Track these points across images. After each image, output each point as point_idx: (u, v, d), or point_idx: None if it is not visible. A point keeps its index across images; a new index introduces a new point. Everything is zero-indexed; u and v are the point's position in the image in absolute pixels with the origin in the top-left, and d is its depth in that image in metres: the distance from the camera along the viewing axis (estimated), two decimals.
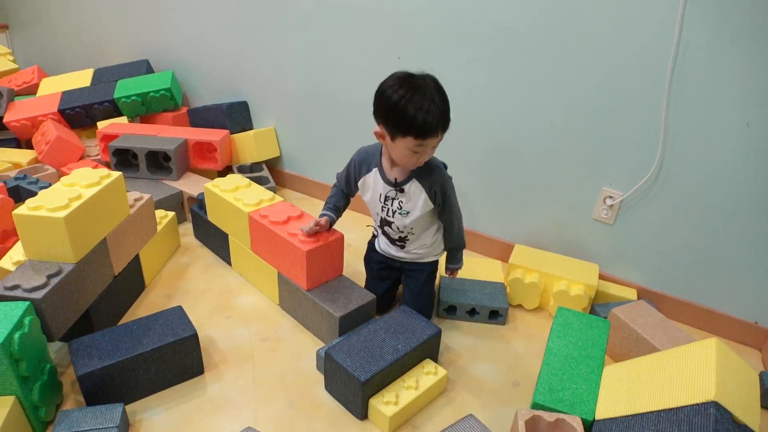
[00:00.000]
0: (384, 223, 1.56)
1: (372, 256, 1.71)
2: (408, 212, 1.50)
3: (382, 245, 1.66)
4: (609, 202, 1.73)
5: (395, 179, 1.47)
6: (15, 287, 1.31)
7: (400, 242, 1.60)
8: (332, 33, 2.10)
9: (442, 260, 1.71)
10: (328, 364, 1.35)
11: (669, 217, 1.66)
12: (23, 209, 1.39)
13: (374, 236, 1.72)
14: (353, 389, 1.28)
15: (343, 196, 1.62)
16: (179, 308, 1.50)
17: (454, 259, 1.65)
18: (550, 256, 1.81)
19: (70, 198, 1.42)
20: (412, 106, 1.28)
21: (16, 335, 1.19)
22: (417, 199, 1.47)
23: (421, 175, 1.45)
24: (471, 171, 1.97)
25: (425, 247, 1.60)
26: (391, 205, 1.51)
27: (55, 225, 1.36)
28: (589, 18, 1.56)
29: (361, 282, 1.75)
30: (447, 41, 1.84)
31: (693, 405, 0.97)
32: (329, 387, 1.39)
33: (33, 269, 1.38)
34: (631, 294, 1.73)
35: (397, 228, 1.55)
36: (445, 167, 1.51)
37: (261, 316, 1.68)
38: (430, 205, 1.49)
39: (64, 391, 1.39)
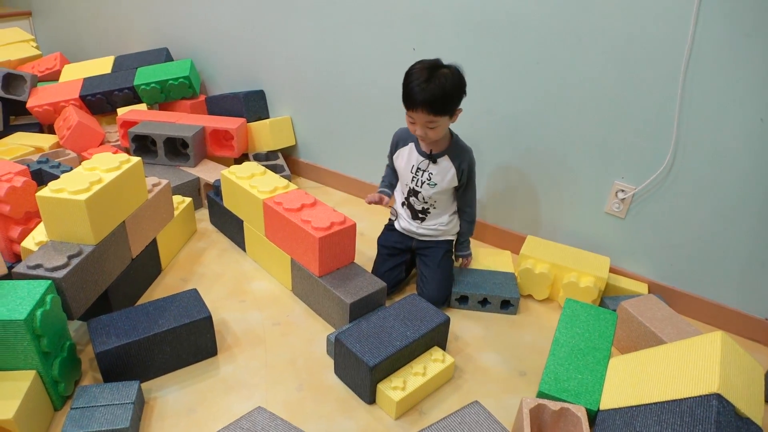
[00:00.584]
0: (411, 193, 1.70)
1: (387, 236, 1.80)
2: (435, 184, 1.64)
3: (402, 223, 1.77)
4: (621, 195, 1.73)
5: (431, 151, 1.63)
6: (37, 266, 1.36)
7: (422, 214, 1.72)
8: (348, 24, 2.12)
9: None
10: (338, 348, 1.38)
11: (681, 211, 1.66)
12: (46, 191, 1.43)
13: (391, 221, 1.81)
14: (362, 374, 1.31)
15: (392, 171, 1.78)
16: (194, 291, 1.54)
17: (464, 247, 1.79)
18: (561, 247, 1.82)
19: (91, 181, 1.46)
20: (410, 80, 1.49)
21: (38, 312, 1.24)
22: (446, 172, 1.63)
23: (453, 153, 1.63)
24: (483, 163, 1.97)
25: (442, 225, 1.72)
26: (421, 176, 1.66)
27: (77, 207, 1.40)
28: (604, 11, 1.56)
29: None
30: (462, 32, 1.85)
31: (696, 397, 0.98)
32: (339, 371, 1.42)
33: (54, 249, 1.42)
34: (642, 288, 1.74)
35: (423, 198, 1.69)
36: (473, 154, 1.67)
37: (274, 301, 1.72)
38: (455, 182, 1.65)
39: (82, 368, 1.44)
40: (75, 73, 2.75)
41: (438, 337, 1.46)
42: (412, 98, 1.48)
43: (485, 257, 1.88)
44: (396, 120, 2.10)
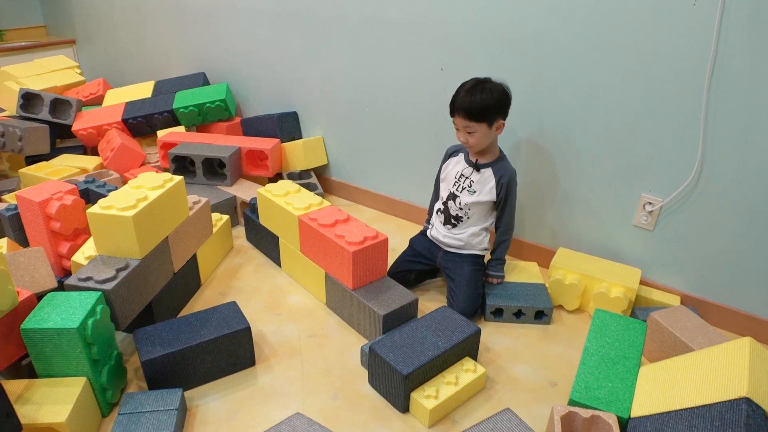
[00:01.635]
0: (450, 197, 1.81)
1: (419, 239, 1.93)
2: (475, 191, 1.76)
3: (433, 231, 1.88)
4: (648, 208, 1.75)
5: (476, 160, 1.76)
6: (88, 279, 1.44)
7: (454, 220, 1.81)
8: (378, 46, 2.20)
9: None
10: (372, 358, 1.43)
11: (709, 222, 1.67)
12: (96, 208, 1.52)
13: (426, 228, 1.94)
14: (396, 382, 1.35)
15: (436, 192, 1.93)
16: (233, 303, 1.60)
17: (496, 269, 1.85)
18: (592, 259, 1.85)
19: (138, 199, 1.54)
20: (457, 90, 1.67)
21: (90, 321, 1.32)
22: (486, 183, 1.75)
23: (497, 167, 1.75)
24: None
25: (472, 236, 1.80)
26: (463, 182, 1.78)
27: (124, 223, 1.49)
28: (628, 28, 1.60)
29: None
30: (489, 51, 1.90)
31: (725, 401, 1.00)
32: (373, 381, 1.46)
33: (103, 263, 1.51)
34: (674, 300, 1.74)
35: (459, 204, 1.78)
36: (516, 175, 1.78)
37: (308, 314, 1.78)
38: (494, 195, 1.75)
39: (127, 377, 1.51)
40: (117, 97, 2.90)
41: (469, 348, 1.49)
42: (452, 104, 1.67)
43: (513, 269, 1.91)
44: (425, 138, 2.21)
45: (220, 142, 2.48)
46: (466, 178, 1.78)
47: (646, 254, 1.83)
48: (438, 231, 1.85)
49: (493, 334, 1.68)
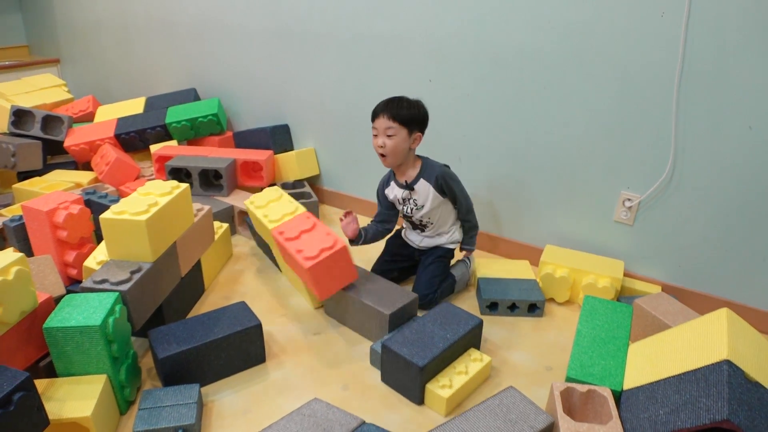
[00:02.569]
0: (407, 218, 1.95)
1: (395, 240, 2.05)
2: (422, 206, 1.85)
3: (407, 233, 2.02)
4: (627, 204, 1.88)
5: (405, 182, 1.85)
6: (103, 281, 1.49)
7: (422, 226, 1.93)
8: (368, 59, 2.31)
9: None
10: (385, 355, 1.50)
11: (684, 215, 1.80)
12: (108, 214, 1.57)
13: (399, 230, 2.07)
14: (412, 375, 1.42)
15: (380, 219, 1.99)
16: (243, 303, 1.68)
17: (469, 242, 1.99)
18: (578, 254, 1.98)
19: (149, 204, 1.61)
20: (383, 100, 1.79)
21: (111, 319, 1.37)
22: (427, 193, 1.83)
23: (426, 174, 1.83)
24: (498, 179, 2.15)
25: (442, 235, 1.93)
26: (409, 204, 1.88)
27: (138, 227, 1.54)
28: (603, 39, 1.75)
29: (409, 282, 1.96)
30: (475, 63, 2.03)
31: (708, 365, 1.11)
32: (386, 377, 1.53)
33: (117, 266, 1.56)
34: (655, 289, 1.87)
35: (419, 220, 1.91)
36: (447, 166, 1.87)
37: (312, 315, 1.85)
38: (439, 198, 1.84)
39: (141, 377, 1.56)
40: (109, 113, 2.96)
41: (473, 339, 1.59)
42: (377, 108, 1.77)
43: (505, 267, 2.02)
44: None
45: (214, 155, 2.56)
46: (407, 199, 1.87)
47: (628, 247, 1.96)
48: (412, 235, 1.98)
49: (489, 326, 1.78)
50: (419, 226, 1.95)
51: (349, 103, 2.48)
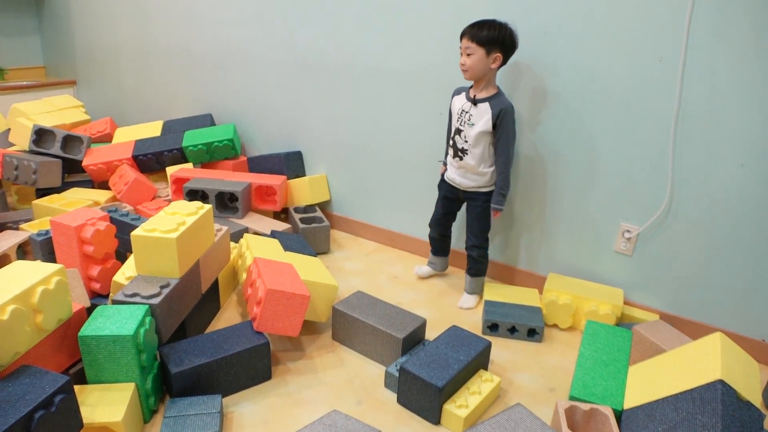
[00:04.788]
0: (456, 132, 2.04)
1: (441, 185, 2.21)
2: (473, 124, 1.97)
3: (449, 173, 2.13)
4: (627, 235, 1.99)
5: (474, 96, 1.98)
6: (134, 294, 1.56)
7: (461, 153, 2.04)
8: (382, 93, 2.44)
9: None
10: (402, 377, 1.56)
11: (680, 247, 1.91)
12: (140, 231, 1.65)
13: (444, 169, 2.19)
14: (430, 396, 1.49)
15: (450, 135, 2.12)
16: (251, 322, 1.72)
17: (497, 201, 2.05)
18: (580, 282, 2.09)
19: (178, 223, 1.69)
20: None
21: (141, 330, 1.44)
22: (483, 115, 1.95)
23: (493, 101, 1.95)
24: (509, 211, 2.26)
25: (480, 175, 2.04)
26: (465, 117, 2.00)
27: (168, 244, 1.63)
28: (606, 82, 1.89)
29: (413, 305, 2.04)
30: None
31: (703, 384, 1.21)
32: (402, 399, 1.59)
33: (145, 281, 1.63)
34: (653, 318, 1.96)
35: (464, 137, 2.01)
36: (513, 109, 1.97)
37: (320, 337, 1.92)
38: (489, 126, 1.95)
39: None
40: (127, 135, 3.06)
41: (483, 360, 1.67)
42: (463, 31, 1.91)
43: (514, 293, 2.12)
44: (423, 176, 2.44)
45: (229, 178, 2.65)
46: (466, 112, 1.99)
47: (627, 277, 2.06)
48: (452, 170, 2.11)
49: (495, 349, 1.86)
50: (458, 153, 2.04)
51: (360, 133, 2.60)
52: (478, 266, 2.16)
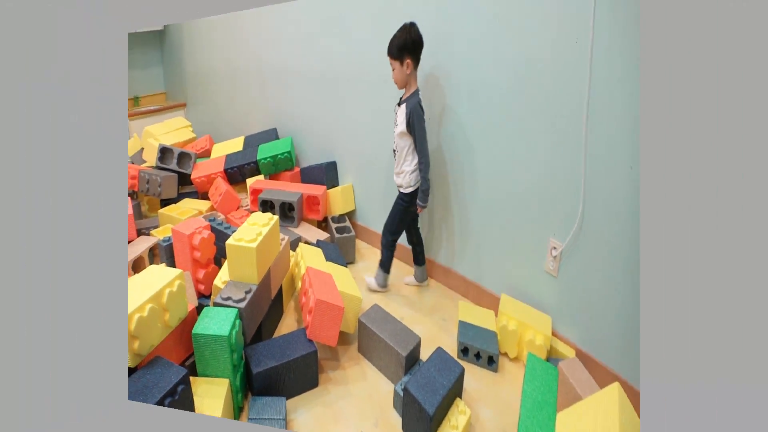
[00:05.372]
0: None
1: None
2: (397, 125, 1.69)
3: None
4: (554, 253, 1.50)
5: (400, 98, 1.70)
6: (228, 298, 1.46)
7: (394, 154, 1.73)
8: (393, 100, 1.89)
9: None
10: (406, 397, 1.30)
11: (590, 269, 1.38)
12: (231, 240, 1.49)
13: None
14: (424, 424, 1.25)
15: None
16: (304, 330, 1.54)
17: (420, 199, 1.73)
18: (524, 306, 1.66)
19: (257, 233, 1.53)
20: None
21: (233, 332, 1.34)
22: (401, 115, 1.67)
23: (409, 100, 1.65)
24: (465, 222, 1.87)
25: (400, 175, 1.72)
26: (394, 119, 1.72)
27: (249, 252, 1.47)
28: (524, 75, 1.52)
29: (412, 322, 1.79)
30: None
31: None
32: (406, 427, 1.34)
33: (234, 286, 1.51)
34: (570, 352, 1.51)
35: (394, 143, 1.72)
36: (422, 109, 1.63)
37: (350, 345, 1.68)
38: (404, 126, 1.64)
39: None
40: (221, 150, 2.86)
41: (458, 387, 1.38)
42: None
43: (476, 314, 1.73)
44: (437, 187, 1.96)
45: (286, 189, 2.35)
46: (395, 114, 1.70)
47: (553, 302, 1.56)
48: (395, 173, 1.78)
49: (465, 375, 1.45)
50: (395, 153, 1.70)
51: (375, 142, 2.14)
52: (382, 256, 1.84)
